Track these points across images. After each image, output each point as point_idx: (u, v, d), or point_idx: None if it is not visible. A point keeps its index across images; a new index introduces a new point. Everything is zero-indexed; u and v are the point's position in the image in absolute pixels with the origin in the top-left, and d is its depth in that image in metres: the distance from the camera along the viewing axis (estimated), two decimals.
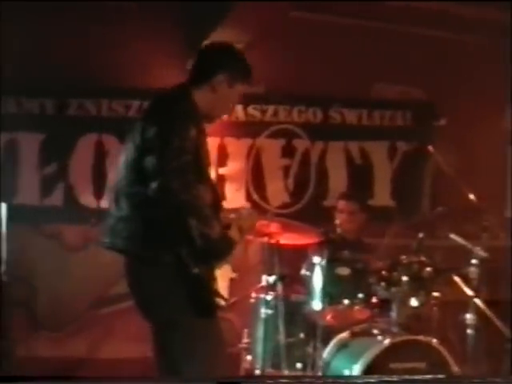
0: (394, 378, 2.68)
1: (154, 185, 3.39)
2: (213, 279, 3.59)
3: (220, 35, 5.86)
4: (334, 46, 6.49)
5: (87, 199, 6.32)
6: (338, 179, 6.77)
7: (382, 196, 6.85)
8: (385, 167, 6.88)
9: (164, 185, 3.38)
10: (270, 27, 5.97)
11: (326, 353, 5.04)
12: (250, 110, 6.45)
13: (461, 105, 6.63)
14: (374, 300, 5.08)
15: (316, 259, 5.15)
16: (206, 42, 3.95)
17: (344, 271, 5.07)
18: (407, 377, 4.24)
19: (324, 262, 5.08)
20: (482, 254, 4.97)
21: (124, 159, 3.68)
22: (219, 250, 3.57)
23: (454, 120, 6.45)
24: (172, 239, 3.48)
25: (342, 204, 5.98)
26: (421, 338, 4.85)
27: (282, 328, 4.96)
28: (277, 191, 6.67)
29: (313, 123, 6.71)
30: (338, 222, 5.60)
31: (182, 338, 3.53)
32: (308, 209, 6.65)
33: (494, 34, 6.56)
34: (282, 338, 4.98)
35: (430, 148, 5.52)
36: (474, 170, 6.50)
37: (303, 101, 6.65)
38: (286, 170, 6.71)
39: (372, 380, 2.68)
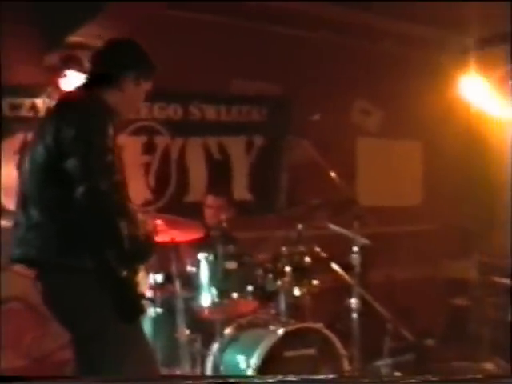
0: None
1: (81, 189, 3.24)
2: (137, 282, 3.51)
3: (87, 31, 5.76)
4: (193, 42, 6.47)
5: None
6: (197, 175, 6.79)
7: (240, 190, 6.94)
8: (242, 162, 6.98)
9: (93, 187, 3.24)
10: (133, 24, 5.89)
11: (216, 347, 5.08)
12: None
13: (314, 100, 6.84)
14: (261, 292, 5.18)
15: (202, 255, 5.17)
16: (108, 42, 3.81)
17: (232, 265, 5.11)
18: None
19: (212, 257, 5.11)
20: (364, 241, 5.19)
21: (32, 164, 3.50)
22: (145, 251, 3.51)
23: (308, 115, 6.72)
24: (96, 243, 3.34)
25: (210, 199, 6.03)
26: (311, 325, 5.01)
27: (182, 326, 4.92)
28: (138, 188, 6.57)
29: (173, 119, 6.66)
30: (223, 217, 5.58)
31: (114, 346, 3.40)
32: (170, 205, 6.60)
33: (344, 33, 6.90)
34: (181, 335, 4.94)
35: (304, 141, 5.63)
36: (327, 162, 6.73)
37: (163, 97, 6.58)
38: (147, 166, 6.62)
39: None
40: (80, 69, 5.90)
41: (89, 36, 5.84)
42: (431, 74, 7.21)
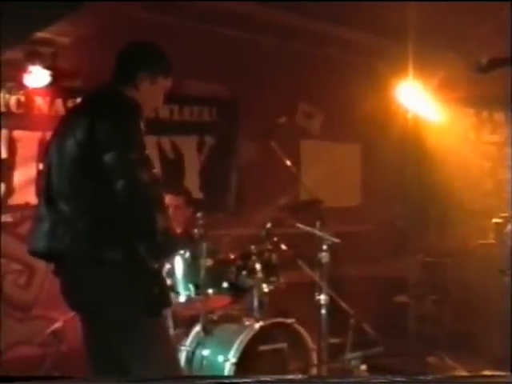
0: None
1: (122, 181, 3.34)
2: (164, 275, 3.62)
3: (53, 27, 5.73)
4: None
5: None
6: None
7: (192, 189, 7.04)
8: (194, 161, 7.09)
9: (134, 179, 3.35)
10: (103, 23, 5.97)
11: (190, 342, 5.21)
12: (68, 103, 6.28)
13: (261, 102, 7.02)
14: (236, 288, 5.33)
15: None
16: (129, 43, 3.92)
17: (207, 262, 5.22)
18: None
19: (188, 255, 5.21)
20: (334, 239, 5.40)
21: (61, 159, 3.57)
22: (175, 245, 3.62)
23: (256, 117, 6.90)
24: (129, 236, 3.42)
25: (168, 198, 6.09)
26: (284, 320, 5.20)
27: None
28: None
29: None
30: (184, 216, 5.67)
31: (142, 338, 3.48)
32: None
33: (290, 37, 7.12)
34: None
35: (273, 144, 5.75)
36: (274, 163, 6.91)
37: None
38: None
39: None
40: (44, 65, 5.90)
41: (54, 33, 5.84)
42: (371, 79, 7.52)
